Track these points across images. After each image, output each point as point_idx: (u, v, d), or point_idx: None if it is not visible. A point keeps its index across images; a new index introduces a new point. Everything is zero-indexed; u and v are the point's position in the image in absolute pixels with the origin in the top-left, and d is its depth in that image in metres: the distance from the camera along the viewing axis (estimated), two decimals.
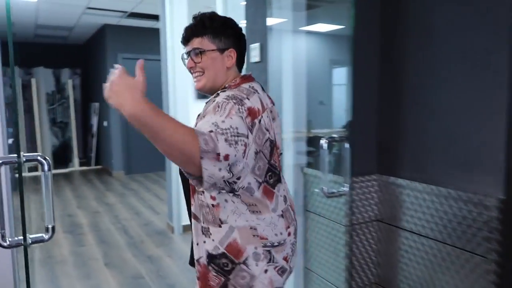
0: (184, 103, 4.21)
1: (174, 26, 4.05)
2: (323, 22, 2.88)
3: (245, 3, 2.63)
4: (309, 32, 2.63)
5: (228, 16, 1.37)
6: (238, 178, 1.14)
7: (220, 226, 1.19)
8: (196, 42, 1.28)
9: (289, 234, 1.28)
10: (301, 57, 2.55)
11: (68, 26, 7.25)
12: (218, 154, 1.00)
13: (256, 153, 1.16)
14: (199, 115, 1.27)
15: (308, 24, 2.56)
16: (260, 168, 1.20)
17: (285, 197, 1.30)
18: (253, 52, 2.56)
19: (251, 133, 1.12)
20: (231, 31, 1.30)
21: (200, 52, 1.27)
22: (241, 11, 2.72)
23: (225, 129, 1.03)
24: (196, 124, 1.16)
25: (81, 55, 9.65)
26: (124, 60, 7.32)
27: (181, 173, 1.25)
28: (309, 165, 2.42)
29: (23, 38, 8.62)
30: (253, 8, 2.55)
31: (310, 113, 2.53)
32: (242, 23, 2.70)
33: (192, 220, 1.28)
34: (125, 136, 7.40)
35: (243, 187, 1.17)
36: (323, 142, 1.84)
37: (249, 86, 1.25)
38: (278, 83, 2.51)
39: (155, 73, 7.88)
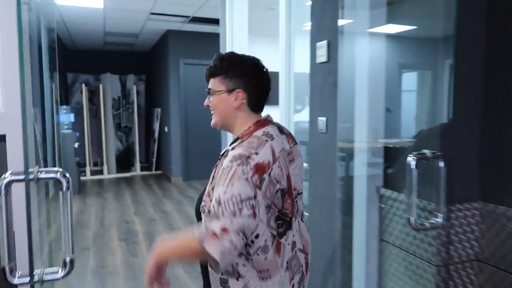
0: None
1: (234, 30, 3.82)
2: (396, 23, 2.46)
3: (310, 2, 2.30)
4: (376, 34, 2.24)
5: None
6: (257, 237, 1.17)
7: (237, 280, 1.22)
8: (211, 82, 1.33)
9: (292, 287, 1.25)
10: (373, 61, 2.17)
11: (134, 32, 7.39)
12: (214, 233, 1.08)
13: (267, 207, 1.18)
14: (213, 177, 1.27)
15: (378, 24, 2.18)
16: (273, 219, 1.21)
17: (293, 244, 1.26)
18: (319, 51, 2.21)
19: (260, 189, 1.15)
20: (241, 72, 1.30)
21: (209, 92, 1.33)
22: (306, 11, 2.40)
23: (227, 200, 1.10)
24: (209, 196, 1.24)
25: (146, 62, 9.88)
26: (186, 65, 7.30)
27: (197, 214, 1.32)
28: (386, 184, 2.01)
29: (94, 45, 8.99)
30: (320, 2, 2.21)
31: (378, 121, 2.15)
32: (306, 25, 2.38)
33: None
34: (184, 142, 7.36)
35: (260, 247, 1.19)
36: (411, 159, 1.45)
37: (263, 132, 1.25)
38: (348, 87, 2.14)
39: None
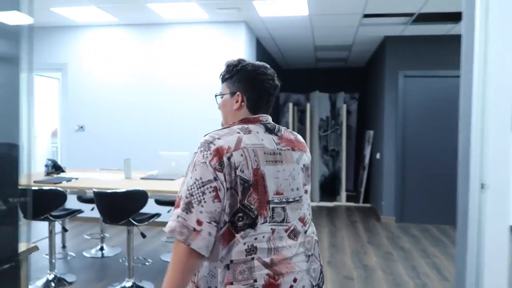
0: (498, 135, 2.36)
1: (488, 26, 2.30)
2: None
3: None
4: None
5: None
6: None
7: None
8: (221, 87, 1.43)
9: None
10: None
11: (346, 44, 6.47)
12: (194, 229, 1.16)
13: (228, 189, 1.20)
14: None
15: None
16: (230, 206, 1.20)
17: (251, 247, 1.20)
18: None
19: (221, 171, 1.19)
20: (242, 76, 1.36)
21: (217, 96, 1.44)
22: None
23: (192, 185, 1.20)
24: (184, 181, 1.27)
25: (360, 78, 8.85)
26: (406, 78, 5.87)
27: None
28: None
29: (306, 64, 8.56)
30: None
31: None
32: None
33: None
34: (399, 174, 5.88)
35: None
36: None
37: (242, 127, 1.30)
38: None
39: (447, 94, 6.11)
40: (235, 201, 1.20)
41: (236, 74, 1.37)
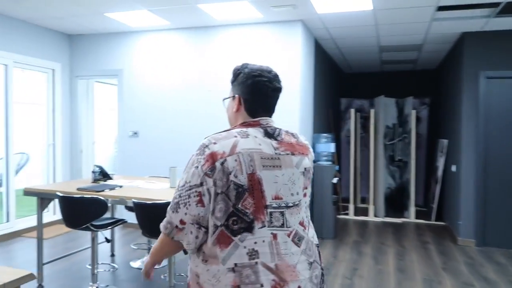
0: None
1: None
2: None
3: None
4: None
5: None
6: None
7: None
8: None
9: None
10: None
11: (415, 43, 5.82)
12: (177, 226, 1.26)
13: (218, 194, 1.22)
14: None
15: None
16: (222, 210, 1.23)
17: (253, 252, 1.21)
18: None
19: (210, 177, 1.22)
20: (240, 80, 1.39)
21: (224, 100, 1.47)
22: None
23: (182, 186, 1.26)
24: None
25: (431, 81, 8.05)
26: (488, 80, 5.10)
27: None
28: None
29: (371, 67, 7.96)
30: None
31: None
32: None
33: None
34: (480, 190, 5.10)
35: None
36: None
37: (240, 131, 1.32)
38: None
39: None
40: (228, 205, 1.22)
41: (236, 77, 1.41)
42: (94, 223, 3.24)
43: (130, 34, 5.59)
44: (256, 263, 1.20)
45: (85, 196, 3.12)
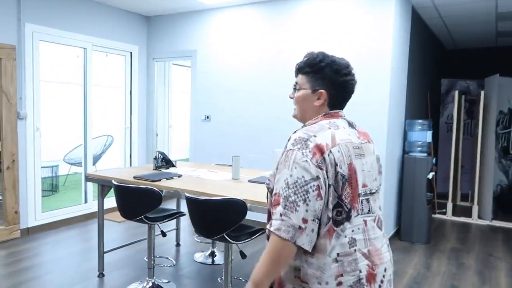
0: None
1: None
2: None
3: None
4: None
5: None
6: None
7: None
8: (299, 78, 1.42)
9: (338, 284, 1.22)
10: None
11: None
12: (299, 227, 1.18)
13: (329, 185, 1.23)
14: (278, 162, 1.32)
15: None
16: (331, 202, 1.24)
17: (352, 240, 1.26)
18: None
19: (322, 169, 1.21)
20: (326, 74, 1.35)
21: (295, 88, 1.43)
22: None
23: (293, 183, 1.20)
24: (274, 176, 1.30)
25: None
26: None
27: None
28: None
29: (482, 41, 6.70)
30: None
31: None
32: None
33: None
34: None
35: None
36: None
37: (329, 122, 1.33)
38: None
39: None
40: (335, 196, 1.24)
41: (320, 71, 1.36)
42: (149, 215, 2.99)
43: (205, 13, 5.28)
44: (355, 250, 1.25)
45: (138, 186, 2.87)
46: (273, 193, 1.26)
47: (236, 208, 2.50)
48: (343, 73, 1.36)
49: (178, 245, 4.28)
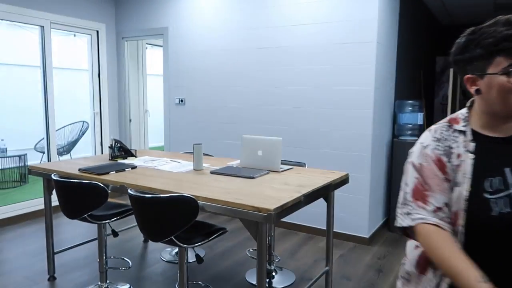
0: None
1: None
2: None
3: None
4: None
5: None
6: None
7: None
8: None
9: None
10: None
11: None
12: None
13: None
14: None
15: None
16: None
17: None
18: None
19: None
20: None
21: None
22: None
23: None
24: None
25: None
26: None
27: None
28: None
29: (479, 15, 6.25)
30: None
31: None
32: None
33: None
34: None
35: None
36: None
37: None
38: None
39: None
40: None
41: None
42: (95, 213, 2.61)
43: None
44: None
45: (80, 181, 2.48)
46: None
47: (186, 207, 2.12)
48: None
49: (146, 241, 3.92)
